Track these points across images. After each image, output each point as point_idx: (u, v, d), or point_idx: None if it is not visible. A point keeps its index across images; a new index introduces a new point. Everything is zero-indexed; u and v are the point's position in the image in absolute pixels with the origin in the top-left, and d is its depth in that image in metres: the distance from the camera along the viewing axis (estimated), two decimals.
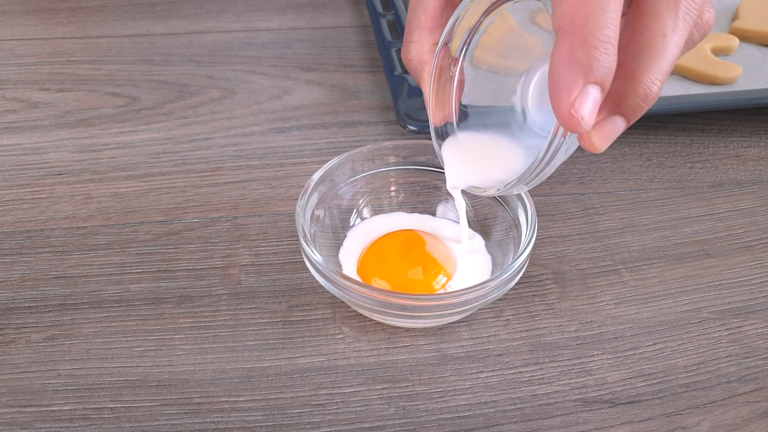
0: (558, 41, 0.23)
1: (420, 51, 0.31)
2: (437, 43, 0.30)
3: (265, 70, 0.48)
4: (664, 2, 0.24)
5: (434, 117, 0.31)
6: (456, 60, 0.30)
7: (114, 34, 0.51)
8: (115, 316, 0.31)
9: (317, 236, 0.32)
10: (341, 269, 0.32)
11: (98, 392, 0.29)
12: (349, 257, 0.33)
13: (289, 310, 0.32)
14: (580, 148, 0.26)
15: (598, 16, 0.22)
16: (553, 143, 0.24)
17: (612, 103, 0.25)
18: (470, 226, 0.34)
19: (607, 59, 0.22)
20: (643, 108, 0.25)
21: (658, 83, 0.25)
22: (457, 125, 0.31)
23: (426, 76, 0.31)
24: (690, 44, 0.26)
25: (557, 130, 0.24)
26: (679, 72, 0.44)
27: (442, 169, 0.35)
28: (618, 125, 0.25)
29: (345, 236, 0.34)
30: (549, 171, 0.26)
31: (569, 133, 0.24)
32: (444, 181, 0.35)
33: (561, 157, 0.25)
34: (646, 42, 0.24)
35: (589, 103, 0.23)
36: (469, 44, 0.30)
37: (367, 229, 0.34)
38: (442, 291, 0.31)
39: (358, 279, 0.31)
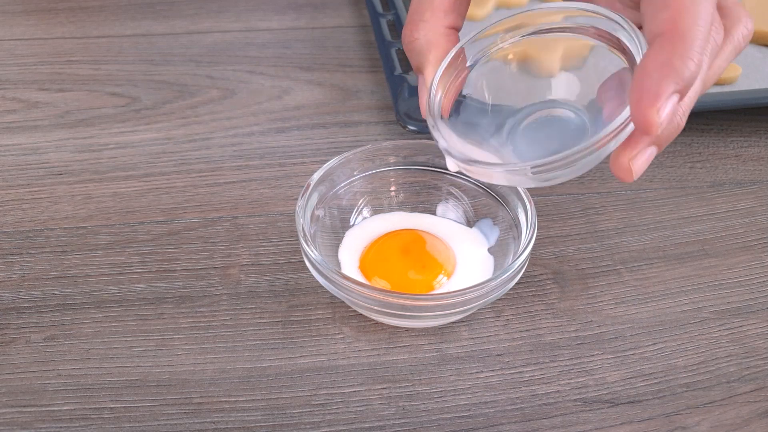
0: (657, 46, 0.24)
1: (430, 32, 0.30)
2: (451, 27, 0.30)
3: (265, 70, 0.48)
4: (720, 30, 0.26)
5: (436, 98, 0.30)
6: (466, 59, 0.30)
7: (114, 34, 0.51)
8: (115, 316, 0.31)
9: (317, 236, 0.32)
10: (341, 269, 0.32)
11: (98, 392, 0.29)
12: (349, 257, 0.33)
13: (289, 310, 0.32)
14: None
15: (699, 28, 0.24)
16: (610, 137, 0.25)
17: None
18: (469, 225, 0.34)
19: (697, 70, 0.24)
20: (675, 135, 0.27)
21: (685, 117, 0.27)
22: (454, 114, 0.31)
23: (432, 58, 0.30)
24: (713, 76, 0.28)
25: (620, 127, 0.25)
26: None
27: (442, 169, 0.35)
28: (652, 154, 0.26)
29: (345, 236, 0.34)
30: (579, 168, 0.26)
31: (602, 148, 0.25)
32: (444, 181, 0.35)
33: (604, 151, 0.26)
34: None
35: (670, 108, 0.23)
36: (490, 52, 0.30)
37: (367, 229, 0.34)
38: (442, 291, 0.31)
39: (358, 279, 0.31)
